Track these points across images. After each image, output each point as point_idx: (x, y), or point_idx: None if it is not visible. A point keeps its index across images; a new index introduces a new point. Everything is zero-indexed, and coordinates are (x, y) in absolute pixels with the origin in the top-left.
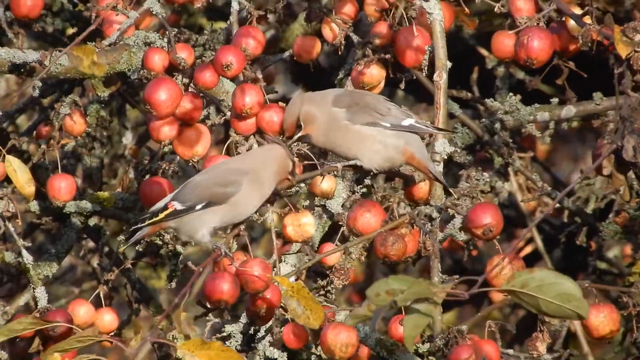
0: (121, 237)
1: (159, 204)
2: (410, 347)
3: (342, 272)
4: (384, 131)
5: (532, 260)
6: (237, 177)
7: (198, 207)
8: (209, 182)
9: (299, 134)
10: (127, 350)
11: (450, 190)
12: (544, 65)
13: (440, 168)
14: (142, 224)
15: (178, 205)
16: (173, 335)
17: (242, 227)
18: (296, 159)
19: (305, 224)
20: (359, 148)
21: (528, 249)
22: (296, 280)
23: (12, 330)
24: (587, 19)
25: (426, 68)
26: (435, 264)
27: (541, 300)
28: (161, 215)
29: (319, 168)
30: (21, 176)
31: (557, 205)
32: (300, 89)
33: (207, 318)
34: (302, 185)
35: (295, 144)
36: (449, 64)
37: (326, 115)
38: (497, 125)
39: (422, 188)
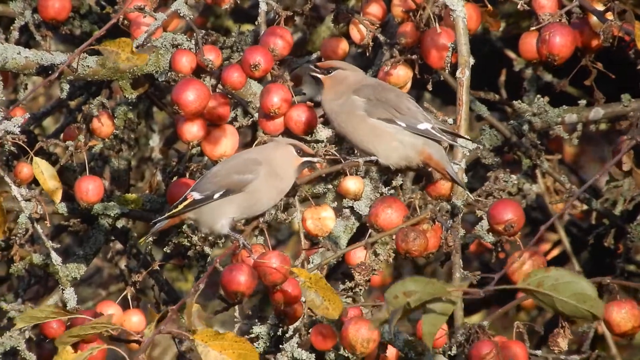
0: (149, 239)
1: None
2: (429, 344)
3: (364, 267)
4: (401, 129)
5: (559, 263)
6: (254, 165)
7: (216, 195)
8: (226, 170)
9: (320, 74)
10: (140, 339)
11: (467, 192)
12: (568, 63)
13: (463, 165)
14: (161, 217)
15: (196, 195)
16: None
17: (262, 219)
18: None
19: (325, 218)
20: (375, 143)
21: (555, 252)
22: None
23: (33, 318)
24: (609, 16)
25: (449, 65)
26: (456, 260)
27: (556, 299)
28: (180, 207)
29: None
30: (48, 178)
31: (585, 207)
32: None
33: (235, 319)
34: (330, 186)
35: (321, 144)
36: (472, 61)
37: (345, 96)
38: (525, 127)
39: (444, 185)
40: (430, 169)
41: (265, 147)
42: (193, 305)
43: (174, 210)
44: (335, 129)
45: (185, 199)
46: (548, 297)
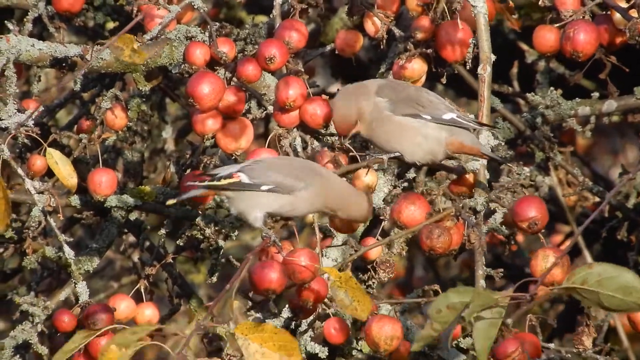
0: (162, 232)
1: (221, 171)
2: (483, 358)
3: (388, 265)
4: (426, 123)
5: (571, 255)
6: (312, 177)
7: (264, 187)
8: (283, 169)
9: (354, 131)
10: (180, 336)
11: (510, 166)
12: (588, 58)
13: (484, 160)
14: (201, 184)
15: (245, 178)
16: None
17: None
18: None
19: None
20: (400, 140)
21: (567, 243)
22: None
23: (67, 352)
24: (634, 12)
25: (470, 61)
26: (479, 258)
27: (602, 295)
28: (224, 182)
29: (359, 160)
30: (63, 168)
31: (597, 199)
32: (339, 84)
33: (249, 312)
34: (344, 179)
35: (336, 137)
36: (493, 57)
37: (371, 106)
38: (539, 120)
39: (466, 180)
40: (455, 165)
41: (351, 189)
42: (234, 302)
43: (216, 183)
44: (365, 138)
45: (231, 176)
46: (594, 294)
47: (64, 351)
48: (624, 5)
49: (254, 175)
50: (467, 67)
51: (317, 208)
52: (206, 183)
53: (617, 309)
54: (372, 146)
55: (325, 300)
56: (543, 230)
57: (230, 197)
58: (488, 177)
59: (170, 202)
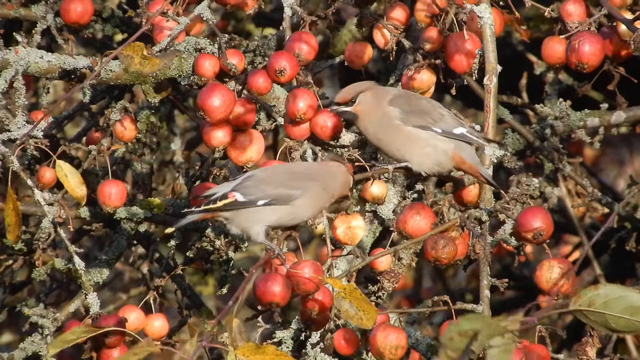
0: (171, 243)
1: (216, 192)
2: None
3: (392, 274)
4: (435, 135)
5: (580, 266)
6: (304, 182)
7: (260, 202)
8: (275, 180)
9: (348, 108)
10: (182, 355)
11: (502, 192)
12: (595, 70)
13: (490, 171)
14: (197, 209)
15: (239, 197)
16: (224, 342)
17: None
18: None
19: (355, 227)
20: (409, 150)
21: (576, 254)
22: (347, 282)
23: (65, 341)
24: (639, 24)
25: (476, 72)
26: (484, 268)
27: (609, 316)
28: (219, 204)
29: (369, 171)
30: (72, 180)
31: (607, 210)
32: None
33: (258, 324)
34: (354, 190)
35: (346, 149)
36: (499, 68)
37: (380, 111)
38: (548, 131)
39: (471, 191)
40: (461, 176)
41: (323, 165)
42: (234, 321)
43: (212, 206)
44: (373, 144)
45: (226, 197)
46: (600, 316)
47: (61, 340)
48: (629, 16)
49: (248, 192)
50: (474, 78)
51: (317, 209)
52: (202, 207)
53: (624, 330)
54: (380, 156)
55: (335, 311)
56: (549, 241)
57: (229, 218)
58: (497, 185)
59: (169, 230)
